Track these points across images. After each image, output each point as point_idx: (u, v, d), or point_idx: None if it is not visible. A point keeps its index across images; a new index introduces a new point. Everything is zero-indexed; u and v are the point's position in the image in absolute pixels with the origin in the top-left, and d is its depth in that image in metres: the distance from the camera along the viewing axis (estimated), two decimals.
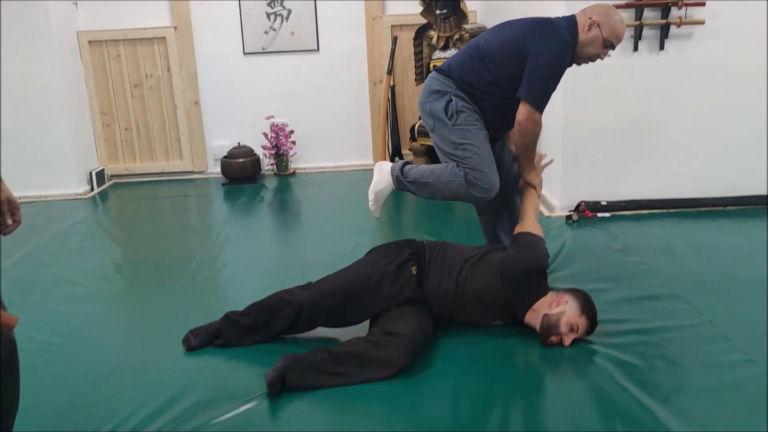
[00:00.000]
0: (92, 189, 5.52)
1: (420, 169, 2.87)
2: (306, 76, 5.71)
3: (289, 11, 5.59)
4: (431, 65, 5.03)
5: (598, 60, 2.81)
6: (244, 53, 5.66)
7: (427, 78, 2.93)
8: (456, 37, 4.86)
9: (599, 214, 4.18)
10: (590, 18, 2.70)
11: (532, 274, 2.66)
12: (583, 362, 2.45)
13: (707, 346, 2.53)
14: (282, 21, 5.61)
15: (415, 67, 5.19)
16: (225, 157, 5.58)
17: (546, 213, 4.30)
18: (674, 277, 3.19)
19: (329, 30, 5.64)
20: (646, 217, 4.14)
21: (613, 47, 2.76)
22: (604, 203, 4.22)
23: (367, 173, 5.68)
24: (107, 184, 5.74)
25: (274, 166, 5.75)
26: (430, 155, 5.15)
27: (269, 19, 5.59)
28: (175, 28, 5.54)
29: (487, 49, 2.75)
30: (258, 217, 4.76)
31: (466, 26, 4.83)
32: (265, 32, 5.62)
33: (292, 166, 5.85)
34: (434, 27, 4.95)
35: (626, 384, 2.28)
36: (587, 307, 2.54)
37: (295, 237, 4.29)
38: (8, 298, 3.28)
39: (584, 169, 4.25)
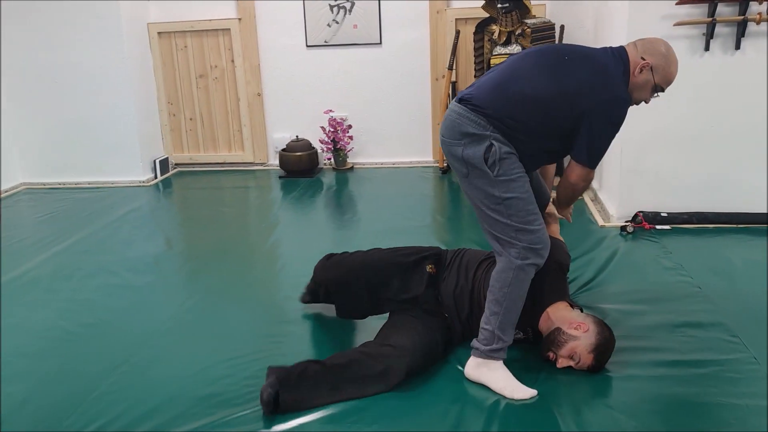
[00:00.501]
0: (155, 177, 5.67)
1: (492, 315, 2.37)
2: (368, 70, 5.62)
3: (353, 3, 5.51)
4: (492, 61, 4.83)
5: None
6: (307, 46, 5.63)
7: (451, 111, 2.40)
8: (518, 32, 4.63)
9: (658, 227, 3.88)
10: (643, 59, 2.33)
11: (549, 270, 2.52)
12: (595, 395, 2.25)
13: (744, 387, 2.27)
14: (345, 13, 5.53)
15: (475, 62, 4.99)
16: (283, 150, 5.59)
17: (600, 222, 4.03)
18: (725, 302, 2.89)
19: (392, 23, 5.52)
20: (711, 231, 3.80)
21: (663, 90, 2.44)
22: (664, 214, 3.91)
23: (426, 170, 5.64)
24: (171, 172, 5.88)
25: (331, 160, 5.71)
26: None
27: (332, 11, 5.53)
28: (240, 20, 5.58)
29: (531, 92, 2.31)
30: (306, 214, 4.72)
31: (529, 21, 4.59)
32: (328, 25, 5.56)
33: (351, 160, 5.79)
34: (496, 21, 4.74)
35: (635, 424, 2.07)
36: (601, 348, 2.34)
37: (341, 235, 4.20)
38: (48, 284, 3.43)
39: (645, 176, 3.96)
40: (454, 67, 5.26)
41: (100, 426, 2.17)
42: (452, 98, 5.26)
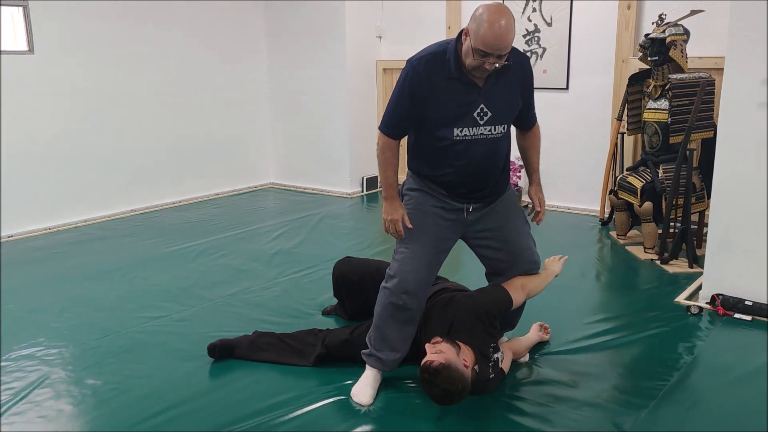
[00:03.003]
0: (362, 191, 6.62)
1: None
2: (554, 114, 5.72)
3: (544, 50, 5.69)
4: (643, 116, 4.62)
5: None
6: None
7: None
8: (667, 86, 4.37)
9: (737, 315, 3.41)
10: (467, 27, 2.43)
11: (473, 313, 2.68)
12: None
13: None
14: (537, 59, 5.74)
15: (629, 115, 4.79)
16: None
17: (677, 299, 3.68)
18: (675, 409, 2.61)
19: (580, 70, 5.55)
20: None
21: (490, 55, 2.34)
22: (748, 303, 3.42)
23: (588, 219, 5.44)
24: (378, 189, 6.77)
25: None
26: (630, 211, 4.73)
27: None
28: None
29: None
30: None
31: (677, 75, 4.30)
32: None
33: (527, 199, 5.93)
34: (652, 74, 4.53)
35: None
36: (421, 372, 2.49)
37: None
38: (186, 258, 4.57)
39: (736, 255, 3.50)
40: (624, 118, 5.09)
41: (120, 341, 3.19)
42: (620, 150, 5.13)
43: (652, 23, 4.50)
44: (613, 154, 5.16)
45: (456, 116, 2.54)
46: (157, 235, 5.17)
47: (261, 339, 3.08)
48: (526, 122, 2.79)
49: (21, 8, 5.07)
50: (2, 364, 2.97)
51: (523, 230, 2.85)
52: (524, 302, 2.92)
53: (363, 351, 2.78)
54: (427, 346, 2.55)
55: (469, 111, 2.53)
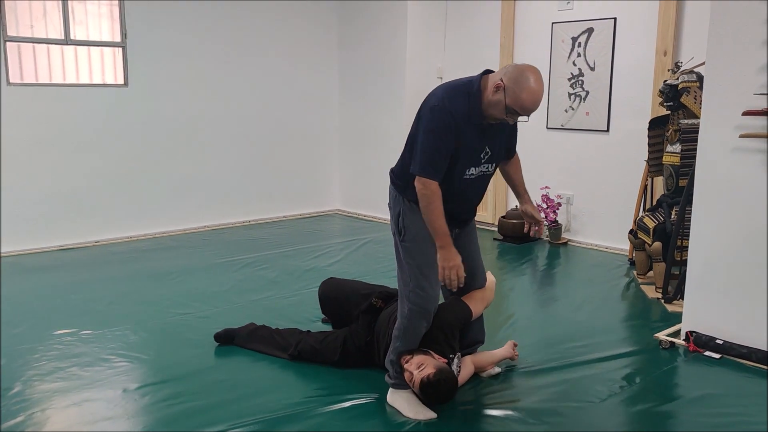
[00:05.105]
0: None
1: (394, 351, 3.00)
2: (594, 155, 5.92)
3: (587, 93, 5.91)
4: (663, 158, 4.76)
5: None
6: (547, 128, 6.23)
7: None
8: (681, 131, 4.51)
9: (707, 353, 3.52)
10: (500, 79, 2.59)
11: (437, 326, 3.01)
12: None
13: None
14: (580, 102, 5.96)
15: (650, 158, 4.92)
16: (503, 216, 6.30)
17: (657, 334, 3.80)
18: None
19: (619, 113, 5.73)
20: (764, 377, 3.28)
21: (519, 114, 2.60)
22: (719, 341, 3.52)
23: (625, 258, 5.53)
24: None
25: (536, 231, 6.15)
26: (646, 251, 4.84)
27: (569, 99, 6.03)
28: None
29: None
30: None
31: (687, 121, 4.43)
32: (565, 110, 6.07)
33: (571, 237, 6.13)
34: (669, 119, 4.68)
35: None
36: (424, 389, 2.80)
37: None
38: (229, 268, 5.14)
39: (711, 295, 3.61)
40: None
41: (145, 328, 3.76)
42: (651, 193, 5.26)
43: (668, 70, 4.65)
44: (642, 195, 5.29)
45: (472, 157, 2.78)
46: (218, 248, 5.84)
47: (257, 331, 3.58)
48: (511, 153, 3.08)
49: (120, 48, 5.98)
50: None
51: (479, 251, 3.22)
52: (482, 314, 3.26)
53: (391, 381, 2.97)
54: (404, 365, 2.88)
55: (480, 152, 2.80)
